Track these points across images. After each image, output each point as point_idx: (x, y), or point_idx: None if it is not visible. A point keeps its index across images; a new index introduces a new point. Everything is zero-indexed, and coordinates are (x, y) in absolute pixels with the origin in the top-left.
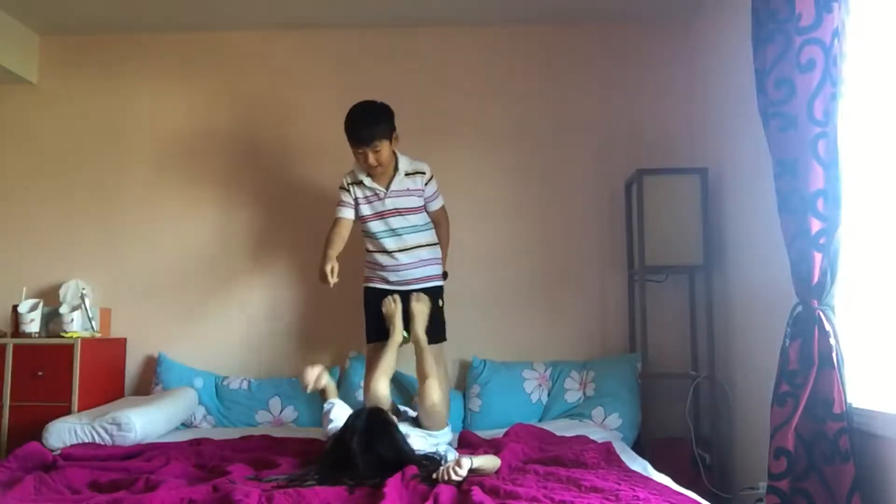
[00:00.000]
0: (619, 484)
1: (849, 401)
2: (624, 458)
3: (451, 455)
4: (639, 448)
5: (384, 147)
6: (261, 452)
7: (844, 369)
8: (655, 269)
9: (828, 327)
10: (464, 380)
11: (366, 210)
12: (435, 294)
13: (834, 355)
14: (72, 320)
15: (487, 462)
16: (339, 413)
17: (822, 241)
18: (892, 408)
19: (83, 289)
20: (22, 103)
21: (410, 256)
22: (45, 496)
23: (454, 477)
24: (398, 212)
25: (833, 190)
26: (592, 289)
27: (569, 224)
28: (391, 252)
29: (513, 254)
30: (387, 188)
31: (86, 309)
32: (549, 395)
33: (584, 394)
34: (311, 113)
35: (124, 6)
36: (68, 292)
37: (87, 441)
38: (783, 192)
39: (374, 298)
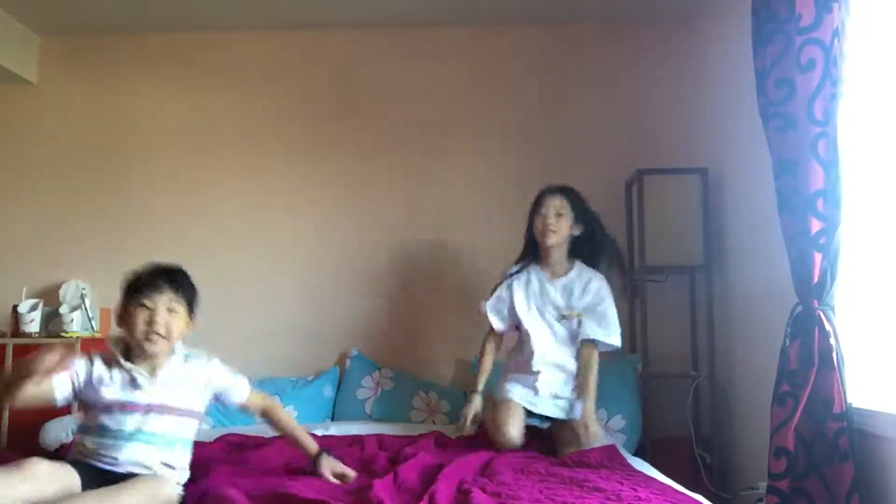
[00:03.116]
0: (622, 484)
1: (849, 401)
2: (628, 460)
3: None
4: (641, 449)
5: (181, 313)
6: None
7: (844, 369)
8: (655, 269)
9: (828, 327)
10: (465, 380)
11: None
12: None
13: (834, 355)
14: (72, 320)
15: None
16: None
17: (822, 241)
18: (892, 408)
19: (83, 289)
20: (22, 103)
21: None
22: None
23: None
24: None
25: (833, 190)
26: None
27: None
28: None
29: (513, 254)
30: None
31: (86, 309)
32: None
33: None
34: (310, 113)
35: (124, 6)
36: (68, 292)
37: None
38: (783, 192)
39: None
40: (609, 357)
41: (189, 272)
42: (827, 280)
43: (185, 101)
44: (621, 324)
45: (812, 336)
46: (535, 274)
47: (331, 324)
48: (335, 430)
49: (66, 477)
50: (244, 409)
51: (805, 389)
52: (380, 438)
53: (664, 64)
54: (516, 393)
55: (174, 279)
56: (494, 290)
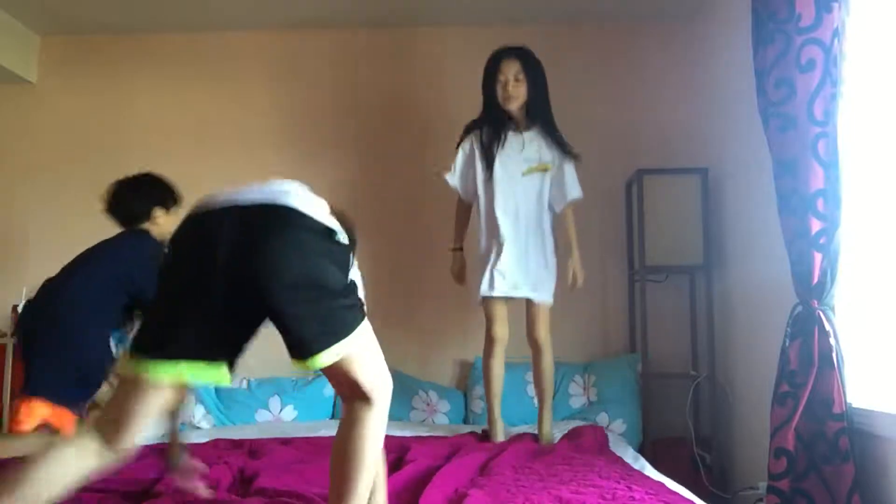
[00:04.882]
0: (619, 483)
1: (849, 401)
2: (627, 458)
3: None
4: (640, 450)
5: None
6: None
7: (844, 369)
8: (655, 269)
9: (828, 327)
10: (465, 380)
11: None
12: None
13: (834, 355)
14: None
15: None
16: None
17: (822, 241)
18: (892, 408)
19: None
20: (22, 103)
21: None
22: None
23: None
24: None
25: (833, 190)
26: (593, 289)
27: None
28: None
29: None
30: None
31: None
32: (552, 398)
33: (588, 399)
34: (310, 113)
35: (124, 6)
36: None
37: None
38: (783, 192)
39: None
40: (609, 356)
41: None
42: (827, 280)
43: (184, 101)
44: (622, 323)
45: (812, 336)
46: (500, 129)
47: None
48: (336, 430)
49: None
50: None
51: (805, 389)
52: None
53: (664, 64)
54: (497, 287)
55: None
56: (457, 152)
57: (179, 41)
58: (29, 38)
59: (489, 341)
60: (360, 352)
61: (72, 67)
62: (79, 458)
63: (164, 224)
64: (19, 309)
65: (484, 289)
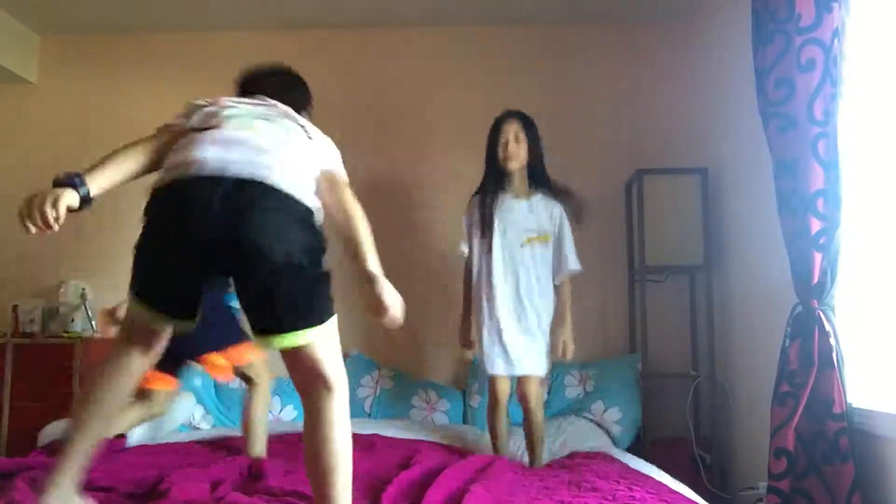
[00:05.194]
0: (618, 483)
1: (849, 401)
2: (626, 458)
3: None
4: (639, 447)
5: None
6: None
7: (844, 369)
8: (655, 269)
9: (828, 327)
10: (464, 378)
11: None
12: None
13: (834, 355)
14: (72, 320)
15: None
16: None
17: (822, 241)
18: (892, 408)
19: (83, 289)
20: (22, 103)
21: None
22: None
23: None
24: None
25: (833, 190)
26: (593, 289)
27: None
28: None
29: None
30: None
31: (86, 309)
32: (548, 392)
33: (584, 389)
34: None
35: (124, 6)
36: (68, 292)
37: None
38: (783, 192)
39: None
40: (609, 356)
41: None
42: (827, 280)
43: (184, 101)
44: (622, 323)
45: (812, 336)
46: (500, 195)
47: None
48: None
49: None
50: None
51: (805, 389)
52: (389, 442)
53: (664, 64)
54: (498, 366)
55: None
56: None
57: (179, 41)
58: (29, 38)
59: (493, 401)
60: (327, 340)
61: (72, 67)
62: (130, 367)
63: None
64: (20, 309)
65: (486, 368)
